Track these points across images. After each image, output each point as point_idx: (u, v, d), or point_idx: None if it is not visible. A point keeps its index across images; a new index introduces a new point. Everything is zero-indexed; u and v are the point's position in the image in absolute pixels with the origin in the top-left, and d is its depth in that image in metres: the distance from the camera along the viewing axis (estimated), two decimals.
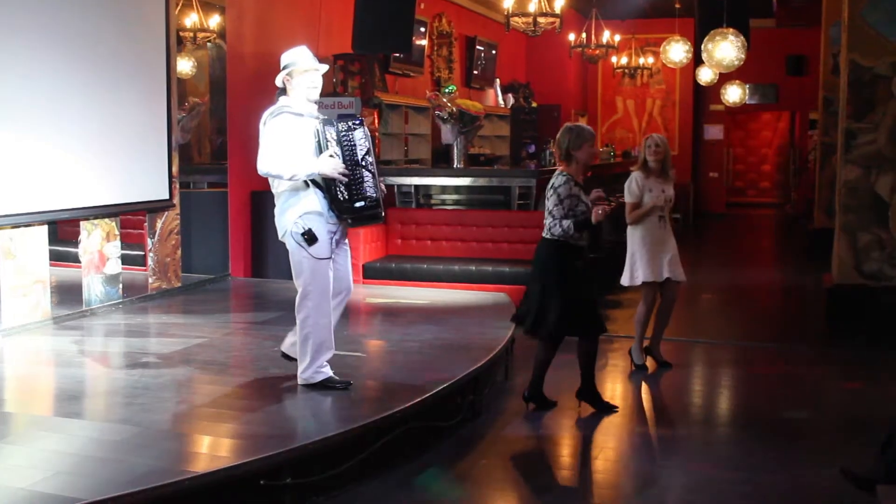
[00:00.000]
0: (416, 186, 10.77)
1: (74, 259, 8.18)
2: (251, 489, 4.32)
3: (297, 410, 5.28)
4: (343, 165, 5.30)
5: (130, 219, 8.78)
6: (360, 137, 5.40)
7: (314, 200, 5.36)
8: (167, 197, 8.64)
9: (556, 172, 6.04)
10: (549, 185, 6.01)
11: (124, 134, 8.03)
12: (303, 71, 5.41)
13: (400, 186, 10.76)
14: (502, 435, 5.83)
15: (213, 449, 4.70)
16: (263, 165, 5.30)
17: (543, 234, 6.05)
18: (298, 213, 5.36)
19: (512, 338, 7.15)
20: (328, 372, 5.52)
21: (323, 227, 5.37)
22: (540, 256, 6.11)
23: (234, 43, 10.00)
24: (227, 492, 4.24)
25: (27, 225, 7.08)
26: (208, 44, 10.18)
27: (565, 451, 5.75)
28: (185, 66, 9.92)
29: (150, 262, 8.64)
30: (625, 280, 7.30)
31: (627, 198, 7.21)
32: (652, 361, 7.41)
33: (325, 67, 5.56)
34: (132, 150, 8.15)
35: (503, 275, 9.30)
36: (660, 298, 7.39)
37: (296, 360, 5.63)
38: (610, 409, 6.20)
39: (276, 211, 5.49)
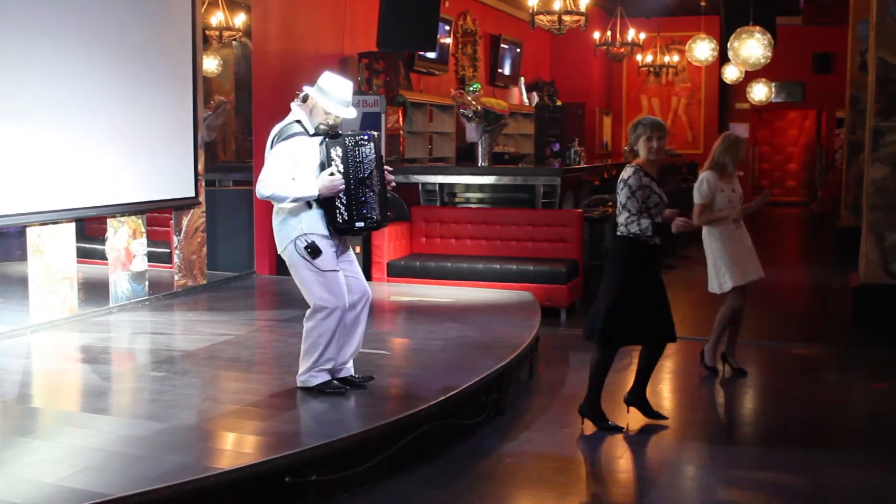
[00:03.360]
0: (441, 185, 10.78)
1: (101, 256, 8.24)
2: (276, 486, 4.33)
3: (322, 407, 5.29)
4: (342, 182, 5.18)
5: (157, 216, 8.83)
6: (367, 154, 5.25)
7: (315, 219, 5.25)
8: (193, 195, 8.69)
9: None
10: (620, 180, 5.78)
11: (151, 132, 8.09)
12: (327, 112, 5.25)
13: (424, 185, 10.77)
14: (526, 433, 5.82)
15: (238, 446, 4.72)
16: (264, 189, 5.16)
17: (617, 232, 5.80)
18: (299, 231, 5.25)
19: (536, 336, 7.14)
20: (325, 376, 5.42)
21: (324, 242, 5.27)
22: (612, 255, 5.89)
23: (260, 41, 10.04)
24: (253, 488, 4.27)
25: (55, 222, 7.13)
26: (234, 42, 10.23)
27: (589, 451, 5.73)
28: (210, 64, 9.96)
29: (175, 259, 8.69)
30: (713, 287, 7.04)
31: (697, 199, 6.93)
32: (727, 366, 7.24)
33: (352, 115, 5.38)
34: (159, 147, 8.21)
35: (527, 273, 9.29)
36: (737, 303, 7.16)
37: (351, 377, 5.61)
38: (658, 417, 6.04)
39: (275, 224, 5.37)
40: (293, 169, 5.17)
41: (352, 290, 5.41)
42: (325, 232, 5.27)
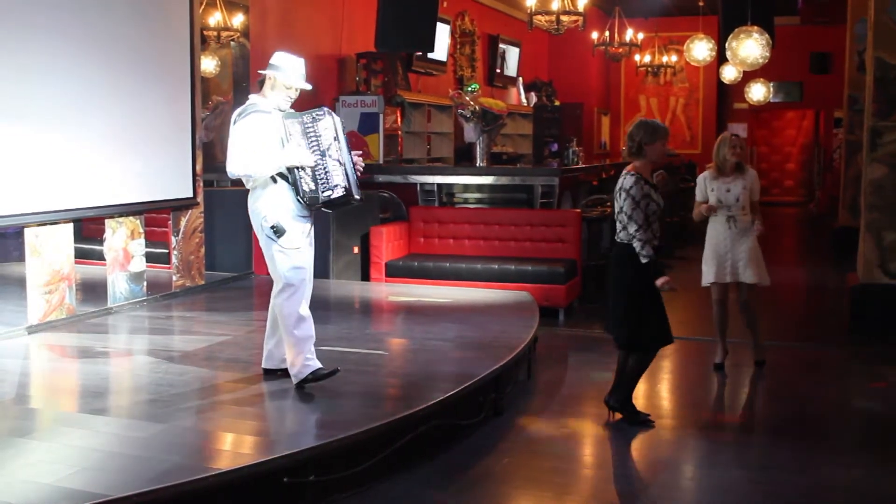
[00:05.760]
0: (439, 185, 10.78)
1: (99, 257, 8.24)
2: (274, 486, 4.33)
3: (320, 408, 5.29)
4: (309, 153, 5.31)
5: (155, 217, 8.83)
6: (325, 128, 5.38)
7: (282, 194, 5.38)
8: (191, 195, 8.68)
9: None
10: (619, 187, 5.84)
11: (149, 132, 8.08)
12: (288, 85, 5.43)
13: (423, 185, 10.77)
14: (524, 434, 5.82)
15: (236, 446, 4.72)
16: (234, 168, 5.36)
17: (616, 238, 5.86)
18: (268, 208, 5.39)
19: (534, 336, 7.14)
20: (315, 364, 5.52)
21: (293, 219, 5.41)
22: (617, 259, 5.90)
23: (258, 41, 10.04)
24: (251, 489, 4.27)
25: (53, 223, 7.12)
26: (232, 42, 10.23)
27: (587, 451, 5.73)
28: (208, 64, 9.97)
29: (173, 259, 8.68)
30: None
31: (697, 196, 7.26)
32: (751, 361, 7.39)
33: (308, 87, 5.56)
34: (156, 148, 8.19)
35: (526, 273, 9.28)
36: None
37: (278, 370, 5.73)
38: (646, 423, 5.99)
39: (250, 206, 5.53)
40: (256, 144, 5.31)
41: None
42: (292, 206, 5.39)
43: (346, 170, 5.42)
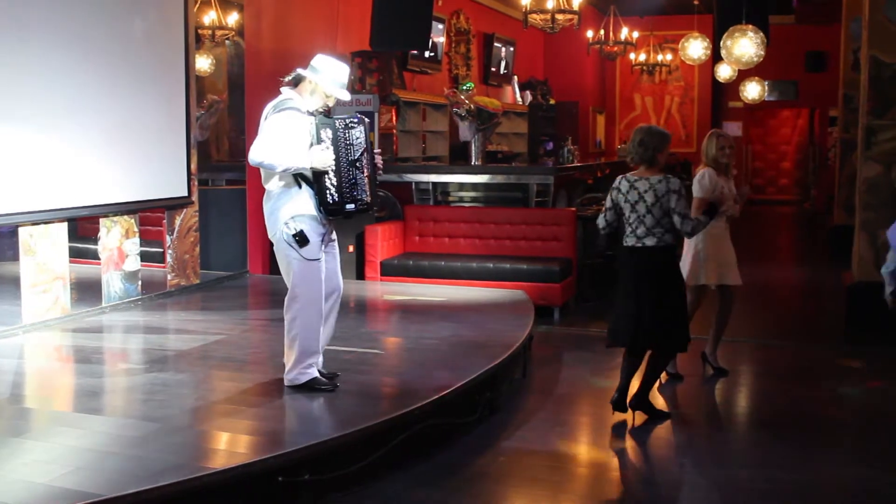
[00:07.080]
0: (434, 184, 10.77)
1: (94, 256, 8.23)
2: (269, 486, 4.33)
3: (315, 407, 5.28)
4: (333, 158, 5.20)
5: (149, 216, 8.82)
6: (357, 136, 5.29)
7: (306, 201, 5.26)
8: (186, 194, 8.67)
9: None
10: (665, 191, 5.74)
11: (143, 131, 8.06)
12: (329, 94, 5.31)
13: (418, 184, 10.76)
14: (520, 432, 5.81)
15: (231, 445, 4.71)
16: (256, 155, 5.13)
17: (651, 244, 5.77)
18: (290, 214, 5.25)
19: (530, 335, 7.13)
20: (313, 373, 5.44)
21: (314, 229, 5.29)
22: (654, 264, 5.83)
23: (253, 40, 10.01)
24: (245, 488, 4.26)
25: (47, 222, 7.11)
26: (227, 41, 10.21)
27: (582, 449, 5.73)
28: (203, 63, 9.95)
29: (168, 258, 8.67)
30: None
31: (697, 192, 6.76)
32: (707, 366, 7.25)
33: (348, 97, 5.47)
34: (151, 147, 8.18)
35: (521, 272, 9.28)
36: (718, 304, 7.12)
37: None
38: (663, 416, 6.11)
39: (267, 210, 5.38)
40: (286, 140, 5.16)
41: (327, 279, 5.46)
42: (315, 213, 5.28)
43: (370, 181, 5.38)
